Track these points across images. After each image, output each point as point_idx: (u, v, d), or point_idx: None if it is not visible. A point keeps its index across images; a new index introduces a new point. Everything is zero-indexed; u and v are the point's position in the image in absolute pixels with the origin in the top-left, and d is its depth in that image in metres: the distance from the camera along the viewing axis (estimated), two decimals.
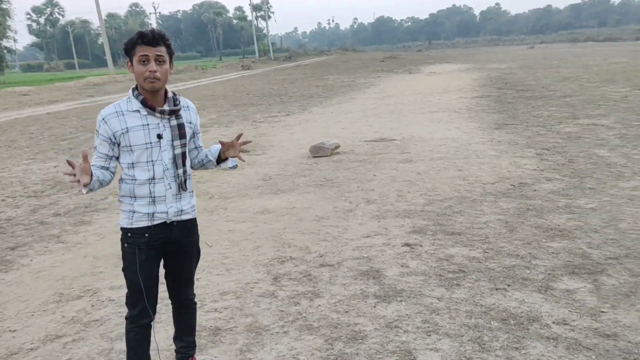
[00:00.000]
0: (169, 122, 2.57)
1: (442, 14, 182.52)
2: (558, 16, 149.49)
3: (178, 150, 2.60)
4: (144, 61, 2.45)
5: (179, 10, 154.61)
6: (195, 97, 21.63)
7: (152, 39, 2.44)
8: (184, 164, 2.63)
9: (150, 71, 2.44)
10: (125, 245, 2.63)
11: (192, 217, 2.75)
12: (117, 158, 2.59)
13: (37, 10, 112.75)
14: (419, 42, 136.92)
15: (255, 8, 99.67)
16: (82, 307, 3.98)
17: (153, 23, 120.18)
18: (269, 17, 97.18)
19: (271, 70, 42.56)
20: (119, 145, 2.54)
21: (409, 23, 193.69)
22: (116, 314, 3.82)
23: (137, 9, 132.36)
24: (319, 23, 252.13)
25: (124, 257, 2.65)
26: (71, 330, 3.63)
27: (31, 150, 11.27)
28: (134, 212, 2.59)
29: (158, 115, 2.53)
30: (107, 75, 35.57)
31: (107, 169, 2.57)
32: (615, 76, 19.94)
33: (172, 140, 2.58)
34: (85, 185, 2.40)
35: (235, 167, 2.81)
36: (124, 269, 2.66)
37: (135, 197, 2.58)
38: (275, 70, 42.58)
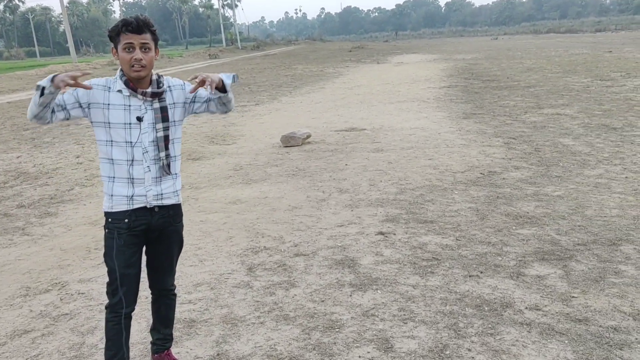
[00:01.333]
0: (152, 105, 2.55)
1: (408, 4, 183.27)
2: (521, 8, 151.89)
3: (160, 134, 2.56)
4: (128, 49, 2.43)
5: None
6: None
7: (136, 26, 2.42)
8: (166, 147, 2.59)
9: (135, 59, 2.42)
10: (106, 230, 2.59)
11: (176, 202, 2.70)
12: (69, 118, 2.52)
13: None
14: (386, 32, 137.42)
15: None
16: (50, 300, 3.88)
17: (117, 10, 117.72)
18: (236, 5, 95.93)
19: (239, 59, 42.09)
20: (82, 109, 2.48)
21: (376, 13, 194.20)
22: (86, 307, 3.73)
23: None
24: (287, 12, 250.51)
25: (104, 244, 2.62)
26: (40, 325, 3.53)
27: None
28: (112, 195, 2.55)
29: (140, 97, 2.51)
30: (70, 64, 34.58)
31: (61, 107, 2.45)
32: (577, 67, 20.42)
33: (155, 123, 2.55)
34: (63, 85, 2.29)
35: (234, 78, 2.73)
36: (104, 255, 2.63)
37: (114, 177, 2.54)
38: (243, 59, 42.13)
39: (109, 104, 2.48)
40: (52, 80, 2.28)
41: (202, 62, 40.78)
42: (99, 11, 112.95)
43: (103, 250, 2.64)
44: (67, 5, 67.29)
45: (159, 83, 2.57)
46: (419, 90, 15.95)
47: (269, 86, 19.58)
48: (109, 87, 2.50)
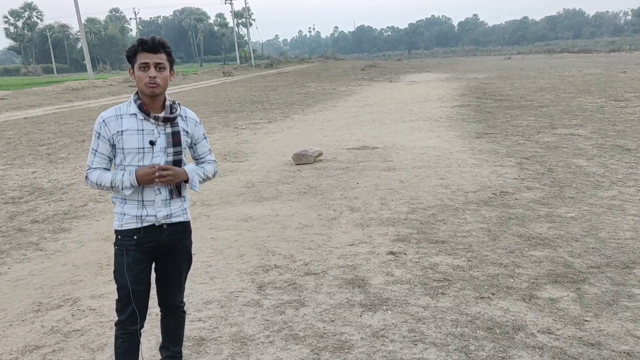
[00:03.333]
0: (164, 129, 2.60)
1: (421, 23, 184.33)
2: (534, 27, 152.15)
3: (171, 158, 2.61)
4: (144, 68, 2.51)
5: (159, 16, 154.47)
6: None
7: (152, 46, 2.50)
8: None
9: (150, 77, 2.50)
10: (116, 247, 2.65)
11: (184, 220, 2.75)
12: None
13: (15, 14, 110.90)
14: (399, 51, 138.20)
15: (237, 15, 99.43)
16: (62, 316, 3.90)
17: (133, 28, 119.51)
18: (251, 24, 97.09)
19: (252, 77, 42.54)
20: (115, 147, 2.59)
21: (389, 32, 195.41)
22: (97, 323, 3.75)
23: (117, 14, 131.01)
24: (300, 31, 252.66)
25: (114, 260, 2.66)
26: (51, 341, 3.55)
27: (8, 156, 11.06)
28: (124, 214, 2.62)
29: (152, 121, 2.57)
30: (86, 80, 35.11)
31: (108, 170, 2.61)
32: (591, 87, 20.37)
33: (166, 148, 2.60)
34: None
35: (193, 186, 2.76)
36: (114, 272, 2.67)
37: (125, 199, 2.61)
38: (257, 77, 42.55)
39: (122, 131, 2.54)
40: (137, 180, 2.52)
41: (216, 79, 41.23)
42: (116, 29, 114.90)
43: (113, 267, 2.68)
44: (85, 23, 68.54)
45: (172, 108, 2.63)
46: (431, 109, 15.97)
47: (282, 104, 19.73)
48: (120, 115, 2.57)
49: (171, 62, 2.59)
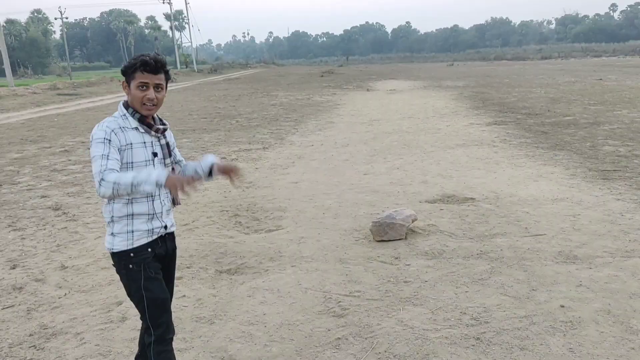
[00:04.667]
0: (159, 141, 2.61)
1: (356, 30, 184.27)
2: (464, 36, 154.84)
3: (169, 168, 2.64)
4: (142, 87, 2.47)
5: (85, 18, 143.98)
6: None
7: (154, 67, 2.47)
8: None
9: (148, 98, 2.48)
10: (130, 266, 2.54)
11: (175, 228, 2.77)
12: None
13: None
14: (335, 57, 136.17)
15: (169, 17, 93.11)
16: None
17: (57, 31, 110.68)
18: (193, 26, 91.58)
19: (201, 83, 37.96)
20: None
21: (324, 38, 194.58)
22: None
23: (40, 16, 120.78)
24: (234, 36, 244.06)
25: (129, 281, 2.56)
26: None
27: None
28: (133, 231, 2.54)
29: (153, 133, 2.56)
30: (6, 88, 29.51)
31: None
32: (604, 97, 17.72)
33: (164, 158, 2.62)
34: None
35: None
36: (135, 293, 2.55)
37: (132, 214, 2.52)
38: (206, 84, 38.00)
39: (131, 144, 2.49)
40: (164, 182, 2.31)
41: None
42: (38, 31, 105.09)
43: (129, 291, 2.57)
44: (4, 24, 61.43)
45: (161, 120, 2.64)
46: (463, 128, 12.61)
47: (262, 120, 15.78)
48: (123, 127, 2.49)
49: (167, 80, 2.58)
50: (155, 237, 2.58)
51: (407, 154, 9.72)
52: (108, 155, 2.38)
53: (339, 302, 4.00)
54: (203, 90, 30.11)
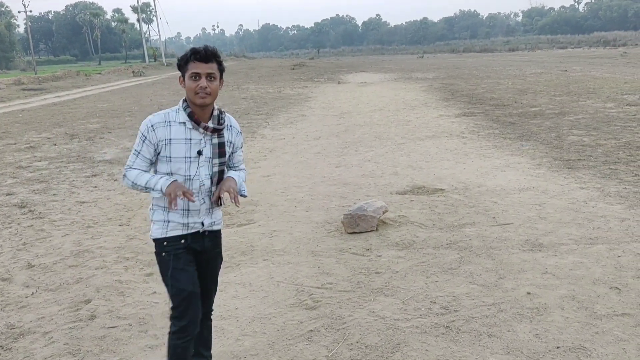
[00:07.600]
0: (211, 140, 2.60)
1: (326, 23, 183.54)
2: (434, 28, 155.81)
3: (216, 169, 2.63)
4: (195, 77, 2.50)
5: (50, 11, 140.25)
6: (89, 113, 16.81)
7: (204, 55, 2.50)
8: (220, 182, 2.65)
9: (200, 87, 2.49)
10: (163, 254, 2.62)
11: (220, 227, 2.79)
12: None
13: None
14: (306, 49, 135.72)
15: (136, 10, 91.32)
16: None
17: (21, 24, 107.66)
18: (160, 19, 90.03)
19: (170, 77, 37.42)
20: (159, 153, 2.57)
21: (295, 31, 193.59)
22: None
23: (2, 9, 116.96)
24: (204, 29, 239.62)
25: (162, 268, 2.66)
26: None
27: None
28: (168, 221, 2.61)
29: (201, 130, 2.56)
30: None
31: (149, 163, 2.61)
32: (570, 88, 18.09)
33: (212, 158, 2.61)
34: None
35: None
36: (165, 280, 2.65)
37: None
38: (175, 77, 37.49)
39: (170, 139, 2.53)
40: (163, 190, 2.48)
41: (126, 80, 35.86)
42: (1, 25, 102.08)
43: (161, 278, 2.66)
44: None
45: (220, 119, 2.63)
46: (433, 119, 12.74)
47: (233, 113, 15.53)
48: (169, 121, 2.54)
49: (221, 71, 2.59)
50: (190, 231, 2.64)
51: (378, 146, 9.78)
52: (139, 153, 2.57)
53: (311, 294, 4.03)
54: (172, 83, 29.69)
